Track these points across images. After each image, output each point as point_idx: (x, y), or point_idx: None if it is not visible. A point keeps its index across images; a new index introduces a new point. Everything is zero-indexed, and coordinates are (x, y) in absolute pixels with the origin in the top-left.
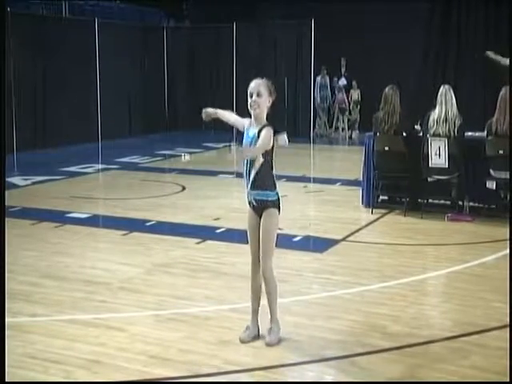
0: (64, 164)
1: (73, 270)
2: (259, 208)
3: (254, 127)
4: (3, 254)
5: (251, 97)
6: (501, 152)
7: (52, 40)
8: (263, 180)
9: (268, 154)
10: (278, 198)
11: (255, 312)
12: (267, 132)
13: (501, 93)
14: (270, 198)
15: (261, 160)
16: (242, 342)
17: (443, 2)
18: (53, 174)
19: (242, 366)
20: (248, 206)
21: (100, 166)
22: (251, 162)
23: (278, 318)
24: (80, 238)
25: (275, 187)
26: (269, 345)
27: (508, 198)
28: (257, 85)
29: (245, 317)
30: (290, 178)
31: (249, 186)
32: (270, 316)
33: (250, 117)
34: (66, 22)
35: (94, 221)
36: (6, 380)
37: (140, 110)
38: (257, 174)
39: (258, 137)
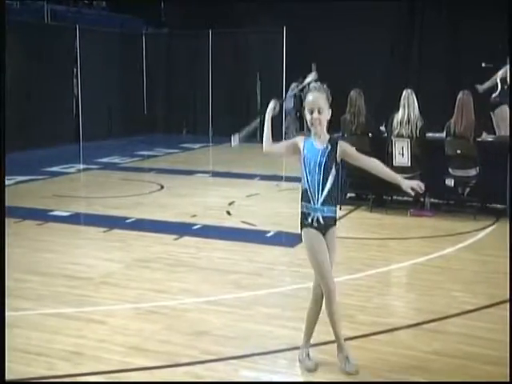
0: (46, 164)
1: (56, 266)
2: (324, 226)
3: (317, 141)
4: (3, 254)
5: (311, 113)
6: (458, 151)
7: (34, 45)
8: (334, 195)
9: (336, 167)
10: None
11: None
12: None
13: (458, 96)
14: (335, 215)
15: (334, 173)
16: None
17: (407, 12)
18: (36, 174)
19: (217, 355)
20: (307, 225)
21: (81, 166)
22: (325, 176)
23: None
24: (62, 235)
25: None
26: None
27: (465, 194)
28: (317, 99)
29: (220, 308)
30: (262, 177)
31: (319, 201)
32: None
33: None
34: (47, 27)
35: (75, 218)
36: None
37: (119, 112)
38: (330, 188)
39: (332, 150)
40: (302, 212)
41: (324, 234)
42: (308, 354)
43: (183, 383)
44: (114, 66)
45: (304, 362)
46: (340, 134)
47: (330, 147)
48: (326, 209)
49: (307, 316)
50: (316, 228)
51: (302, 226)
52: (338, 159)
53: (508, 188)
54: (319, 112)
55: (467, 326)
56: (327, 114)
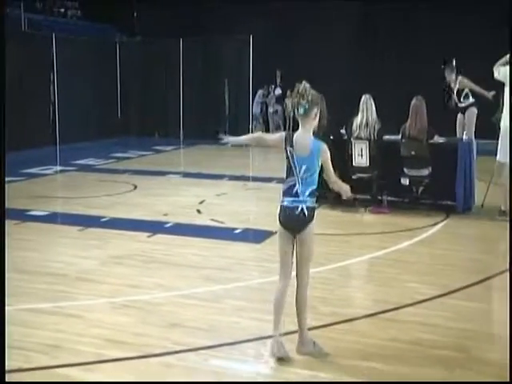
0: (25, 166)
1: (33, 264)
2: None
3: None
4: (3, 254)
5: None
6: (413, 153)
7: (12, 52)
8: None
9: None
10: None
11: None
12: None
13: (412, 102)
14: None
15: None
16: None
17: (365, 21)
18: (14, 176)
19: (188, 345)
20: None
21: (58, 168)
22: None
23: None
24: (40, 234)
25: (282, 195)
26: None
27: (419, 192)
28: None
29: (191, 302)
30: (231, 177)
31: None
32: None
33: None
34: (25, 36)
35: (52, 218)
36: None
37: (95, 117)
38: None
39: None
40: (314, 208)
41: None
42: (282, 343)
43: (184, 383)
44: (90, 72)
45: (283, 353)
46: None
47: None
48: None
49: (280, 305)
50: None
51: (313, 219)
52: None
53: (509, 189)
54: None
55: (420, 314)
56: None
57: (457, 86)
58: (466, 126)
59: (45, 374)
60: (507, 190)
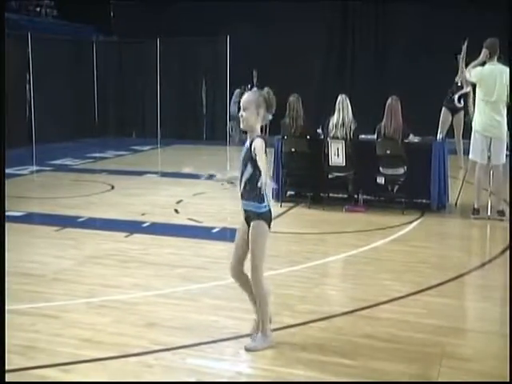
0: None
1: (10, 264)
2: (245, 218)
3: (248, 138)
4: (3, 255)
5: (242, 111)
6: (388, 152)
7: None
8: (250, 190)
9: (257, 166)
10: (265, 212)
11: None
12: (260, 144)
13: (387, 102)
14: (256, 210)
15: (250, 170)
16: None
17: (341, 22)
18: None
19: (166, 345)
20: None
21: (34, 168)
22: (242, 171)
23: (268, 329)
24: (16, 235)
25: (263, 200)
26: (246, 349)
27: (394, 190)
28: (244, 100)
29: (168, 301)
30: (208, 177)
31: (240, 194)
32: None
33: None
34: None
35: (29, 218)
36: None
37: (71, 116)
38: (245, 183)
39: (250, 148)
40: None
41: (248, 226)
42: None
43: (163, 383)
44: (66, 71)
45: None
46: (280, 136)
47: (249, 145)
48: (245, 202)
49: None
50: (243, 217)
51: None
52: (254, 157)
53: (509, 188)
54: (244, 110)
55: (396, 311)
56: (253, 113)
57: (469, 87)
58: (456, 128)
59: (21, 376)
60: (479, 189)
